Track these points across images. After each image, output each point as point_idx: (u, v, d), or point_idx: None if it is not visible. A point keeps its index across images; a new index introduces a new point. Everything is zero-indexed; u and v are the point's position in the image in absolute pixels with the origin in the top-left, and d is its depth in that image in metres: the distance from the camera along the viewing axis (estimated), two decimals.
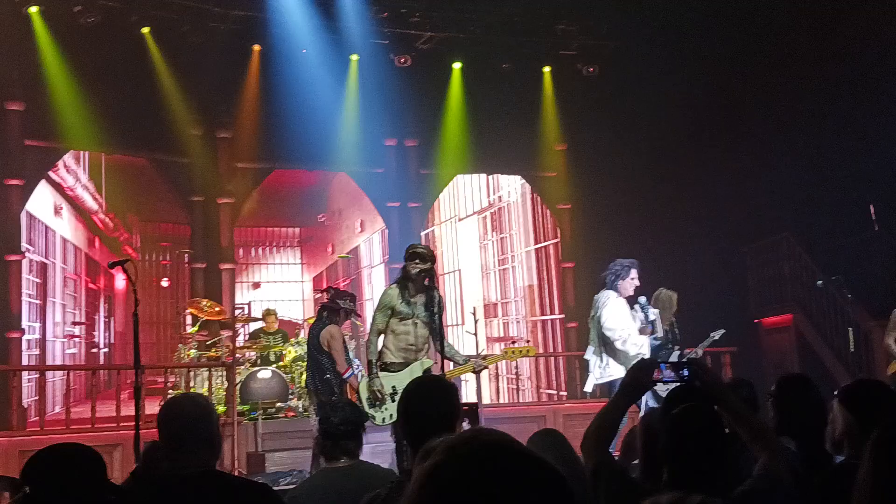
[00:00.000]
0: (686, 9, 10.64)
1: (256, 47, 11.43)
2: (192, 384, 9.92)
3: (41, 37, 10.11)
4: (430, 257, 6.75)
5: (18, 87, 10.26)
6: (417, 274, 6.64)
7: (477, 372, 7.19)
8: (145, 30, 10.72)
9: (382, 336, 6.86)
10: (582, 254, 12.77)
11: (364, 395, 6.70)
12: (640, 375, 3.10)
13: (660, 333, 7.96)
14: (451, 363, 6.84)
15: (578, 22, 12.10)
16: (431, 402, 3.02)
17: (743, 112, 11.03)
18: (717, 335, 8.67)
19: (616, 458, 3.55)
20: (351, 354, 10.11)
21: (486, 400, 9.59)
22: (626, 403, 3.16)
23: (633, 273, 7.90)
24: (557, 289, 13.22)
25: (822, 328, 10.38)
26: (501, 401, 13.91)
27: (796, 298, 10.89)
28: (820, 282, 9.61)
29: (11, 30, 9.98)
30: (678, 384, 3.09)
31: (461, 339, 12.76)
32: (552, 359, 12.93)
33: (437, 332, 6.68)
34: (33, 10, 10.03)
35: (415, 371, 6.67)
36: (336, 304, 8.00)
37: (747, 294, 11.78)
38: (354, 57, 11.83)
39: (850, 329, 9.04)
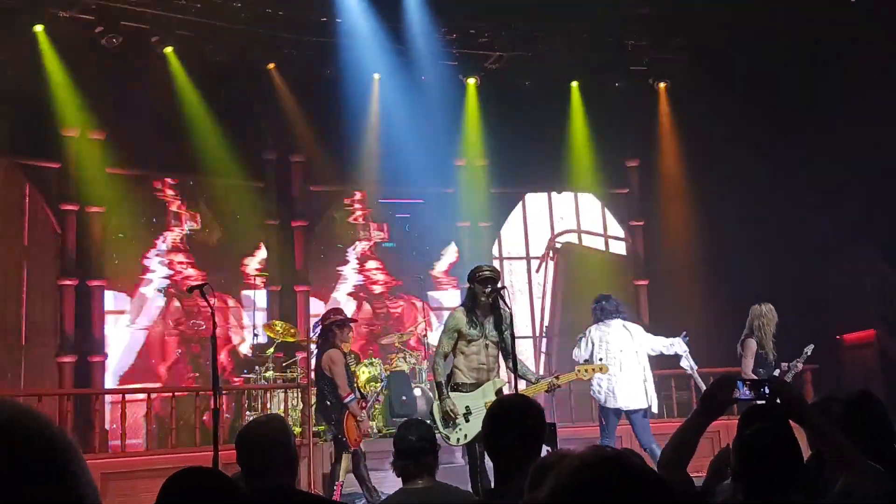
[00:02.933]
0: (761, 17, 10.49)
1: (328, 72, 11.62)
2: (268, 405, 10.06)
3: (179, 76, 10.62)
4: (496, 278, 6.75)
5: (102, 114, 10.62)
6: (485, 296, 6.64)
7: (550, 391, 7.16)
8: (218, 58, 11.01)
9: (449, 357, 6.86)
10: (654, 271, 12.66)
11: (437, 416, 6.69)
12: (719, 393, 3.06)
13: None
14: (524, 382, 6.81)
15: (648, 37, 12.02)
16: (523, 423, 3.04)
17: (825, 122, 10.76)
18: (809, 350, 8.52)
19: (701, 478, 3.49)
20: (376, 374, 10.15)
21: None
22: (706, 422, 3.12)
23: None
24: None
25: None
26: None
27: (879, 314, 10.58)
28: None
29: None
30: (756, 401, 3.04)
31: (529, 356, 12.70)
32: None
33: (507, 351, 6.67)
34: (168, 49, 10.52)
35: (487, 391, 6.65)
36: (328, 326, 7.80)
37: (829, 309, 11.49)
38: (424, 78, 11.94)
39: None
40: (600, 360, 7.86)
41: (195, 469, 2.75)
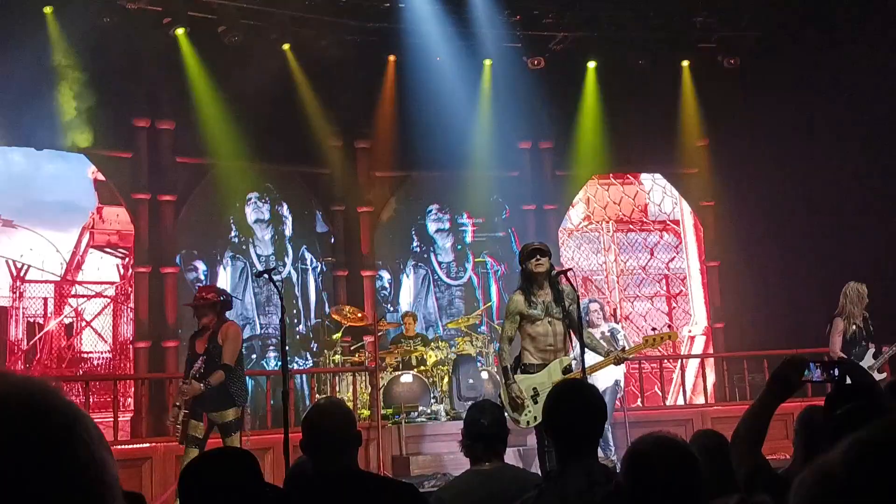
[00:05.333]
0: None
1: (392, 57, 11.67)
2: (336, 388, 10.19)
3: (188, 57, 10.62)
4: (547, 251, 6.71)
5: (168, 107, 10.82)
6: (540, 272, 6.60)
7: (618, 363, 7.17)
8: (286, 46, 11.13)
9: (515, 341, 6.85)
10: (728, 252, 12.47)
11: (505, 400, 6.70)
12: (790, 374, 2.99)
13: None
14: (592, 355, 6.77)
15: (717, 13, 11.79)
16: (580, 406, 3.02)
17: None
18: None
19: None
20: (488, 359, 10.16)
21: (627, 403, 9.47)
22: (776, 403, 3.06)
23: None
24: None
25: None
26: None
27: None
28: None
29: (161, 52, 10.53)
30: (830, 383, 2.97)
31: None
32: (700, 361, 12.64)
33: (575, 324, 6.63)
34: (180, 31, 10.52)
35: (553, 370, 6.61)
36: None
37: None
38: (487, 62, 11.92)
39: None
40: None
41: (213, 452, 2.80)
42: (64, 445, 0.83)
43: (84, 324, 11.59)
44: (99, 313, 12.10)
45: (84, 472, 0.84)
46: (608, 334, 8.35)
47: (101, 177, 11.28)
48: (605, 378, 8.22)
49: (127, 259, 11.10)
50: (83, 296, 10.99)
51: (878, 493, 0.82)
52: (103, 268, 12.84)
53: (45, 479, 0.81)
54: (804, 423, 3.22)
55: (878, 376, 7.80)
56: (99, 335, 11.87)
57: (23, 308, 11.05)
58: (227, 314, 7.38)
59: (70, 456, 0.83)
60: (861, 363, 7.99)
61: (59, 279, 10.83)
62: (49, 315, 11.49)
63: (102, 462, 0.86)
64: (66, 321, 10.74)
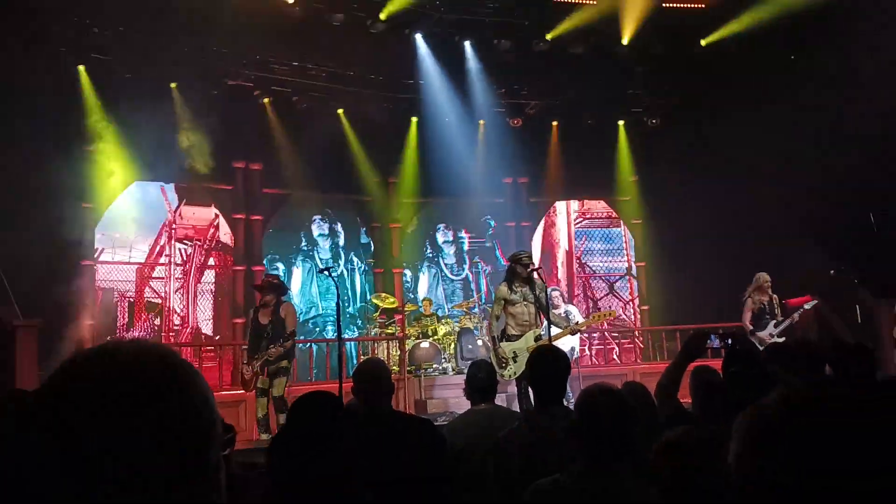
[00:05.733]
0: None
1: (414, 118, 11.67)
2: (375, 352, 10.19)
3: (271, 118, 10.64)
4: (529, 258, 6.76)
5: (258, 153, 10.84)
6: (525, 271, 6.63)
7: (574, 333, 7.23)
8: (340, 111, 11.16)
9: (501, 318, 6.86)
10: (651, 255, 12.44)
11: (494, 360, 6.70)
12: (697, 342, 3.00)
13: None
14: (556, 329, 6.78)
15: (645, 86, 11.79)
16: (553, 364, 3.03)
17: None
18: (808, 306, 8.32)
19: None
20: (479, 332, 10.14)
21: (586, 362, 9.43)
22: (687, 363, 3.06)
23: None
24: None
25: (836, 307, 9.66)
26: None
27: (814, 285, 10.12)
28: (833, 271, 9.02)
29: (252, 114, 10.49)
30: (722, 349, 2.98)
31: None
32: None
33: (544, 307, 6.64)
34: (266, 100, 10.56)
35: (528, 339, 6.62)
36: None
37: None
38: (481, 122, 11.90)
39: (857, 307, 8.50)
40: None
41: (318, 392, 2.80)
42: (184, 394, 0.84)
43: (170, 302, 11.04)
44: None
45: (197, 412, 0.84)
46: (564, 315, 8.29)
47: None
48: (564, 345, 8.19)
49: (197, 245, 10.82)
50: (160, 278, 10.48)
51: (798, 425, 0.83)
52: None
53: (176, 412, 0.82)
54: (698, 376, 3.22)
55: (777, 341, 7.70)
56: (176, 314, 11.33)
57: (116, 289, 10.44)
58: (284, 298, 7.13)
59: (187, 400, 0.84)
60: (764, 332, 7.98)
61: (141, 264, 10.34)
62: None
63: (210, 403, 0.87)
64: (154, 301, 10.38)
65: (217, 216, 10.80)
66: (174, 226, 10.54)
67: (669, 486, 1.87)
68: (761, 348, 7.28)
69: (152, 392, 0.81)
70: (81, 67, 9.17)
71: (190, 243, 10.68)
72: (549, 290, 8.27)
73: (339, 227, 11.94)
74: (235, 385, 9.18)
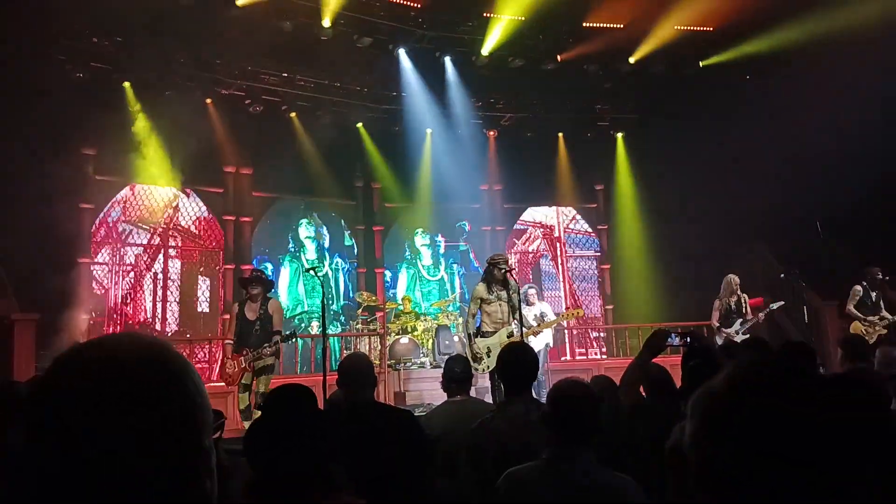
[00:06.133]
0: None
1: (396, 128, 11.61)
2: (357, 346, 10.14)
3: (262, 128, 10.46)
4: (505, 262, 6.77)
5: (248, 159, 10.70)
6: (500, 273, 6.64)
7: (535, 334, 7.27)
8: (326, 120, 11.06)
9: (477, 316, 6.87)
10: (615, 259, 12.56)
11: (469, 355, 6.71)
12: (658, 340, 3.03)
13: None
14: (527, 326, 6.81)
15: (610, 102, 11.90)
16: (521, 360, 3.04)
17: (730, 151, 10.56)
18: (775, 306, 8.33)
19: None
20: (455, 329, 10.15)
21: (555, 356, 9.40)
22: (649, 359, 3.09)
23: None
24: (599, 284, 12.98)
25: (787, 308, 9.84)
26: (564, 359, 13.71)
27: (766, 287, 10.32)
28: (783, 275, 9.17)
29: (243, 123, 10.32)
30: (681, 347, 3.01)
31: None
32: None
33: (515, 307, 6.67)
34: (258, 109, 10.38)
35: (501, 335, 6.64)
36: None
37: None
38: (460, 132, 11.91)
39: (805, 307, 8.64)
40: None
41: (285, 386, 2.75)
42: (180, 384, 0.83)
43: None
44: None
45: (192, 401, 0.83)
46: (539, 315, 8.23)
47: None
48: (540, 340, 8.16)
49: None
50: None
51: (745, 400, 0.85)
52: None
53: (168, 406, 0.81)
54: (651, 374, 3.26)
55: (742, 338, 7.72)
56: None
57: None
58: (269, 294, 6.82)
59: (183, 390, 0.83)
60: (731, 329, 7.98)
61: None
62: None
63: (203, 395, 0.85)
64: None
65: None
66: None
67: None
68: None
69: (149, 388, 0.80)
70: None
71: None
72: (526, 287, 8.32)
73: (324, 230, 11.86)
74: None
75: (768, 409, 0.82)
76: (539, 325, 7.51)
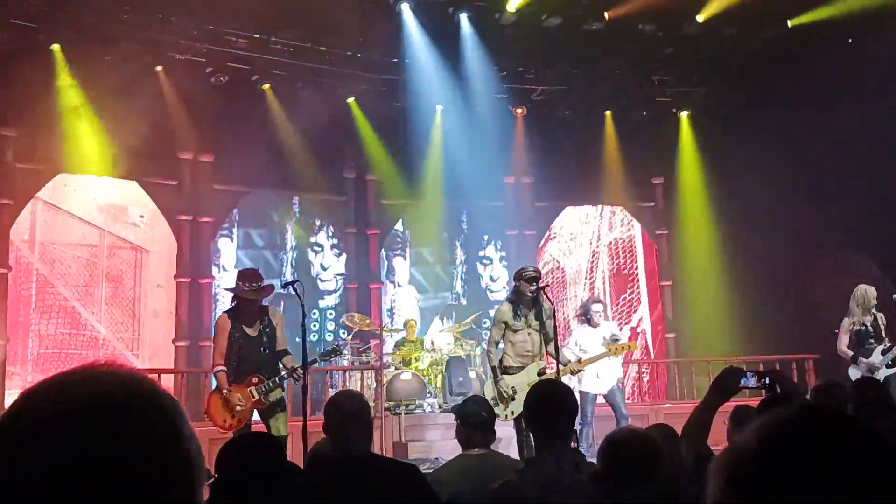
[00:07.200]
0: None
1: (397, 104, 11.64)
2: (346, 384, 10.16)
3: (225, 104, 10.61)
4: (538, 277, 6.78)
5: (210, 143, 10.83)
6: (530, 292, 6.66)
7: (574, 373, 7.22)
8: (307, 93, 11.17)
9: (501, 344, 6.89)
10: (678, 273, 12.55)
11: (489, 394, 6.71)
12: (729, 380, 3.05)
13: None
14: (564, 363, 6.82)
15: (672, 72, 11.92)
16: (555, 403, 3.07)
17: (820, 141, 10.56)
18: None
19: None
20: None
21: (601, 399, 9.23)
22: (719, 403, 3.11)
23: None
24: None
25: None
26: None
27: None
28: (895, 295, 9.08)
29: (204, 96, 10.45)
30: (763, 389, 3.02)
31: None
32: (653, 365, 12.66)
33: (549, 338, 6.67)
34: (223, 79, 10.46)
35: (530, 372, 6.65)
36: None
37: (819, 304, 11.16)
38: (479, 109, 11.95)
39: None
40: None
41: (242, 436, 2.74)
42: (174, 432, 0.88)
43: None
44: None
45: (187, 451, 0.89)
46: (609, 337, 7.79)
47: None
48: (610, 375, 7.83)
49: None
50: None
51: (780, 461, 0.87)
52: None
53: (161, 458, 0.86)
54: (736, 418, 3.27)
55: (888, 371, 7.37)
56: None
57: None
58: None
59: (177, 437, 0.88)
60: (869, 359, 7.54)
61: None
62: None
63: (196, 442, 0.91)
64: None
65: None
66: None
67: None
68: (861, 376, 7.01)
69: (143, 442, 0.85)
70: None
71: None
72: (591, 303, 8.16)
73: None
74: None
75: (808, 472, 0.84)
76: (580, 360, 7.41)
